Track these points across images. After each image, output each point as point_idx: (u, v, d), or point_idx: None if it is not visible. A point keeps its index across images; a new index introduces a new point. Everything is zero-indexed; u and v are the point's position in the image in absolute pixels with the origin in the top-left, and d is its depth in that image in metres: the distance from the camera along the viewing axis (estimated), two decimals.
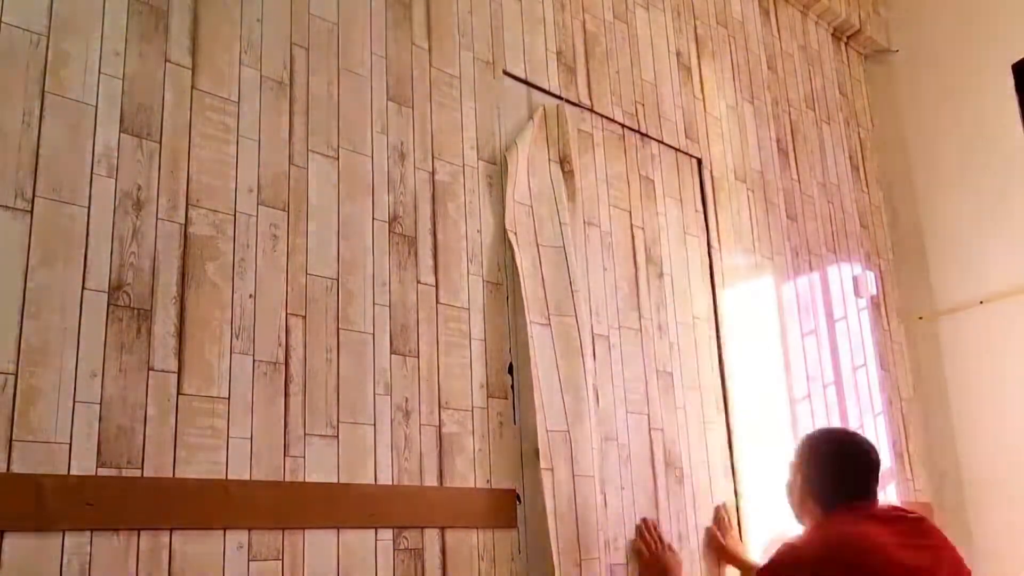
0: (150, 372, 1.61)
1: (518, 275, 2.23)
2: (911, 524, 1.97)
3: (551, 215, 2.37)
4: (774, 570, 1.93)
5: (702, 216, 2.90)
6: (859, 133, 3.83)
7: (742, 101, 3.23)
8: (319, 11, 2.07)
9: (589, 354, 2.29)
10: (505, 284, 2.25)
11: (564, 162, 2.46)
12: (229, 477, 1.66)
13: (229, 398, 1.70)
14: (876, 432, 3.34)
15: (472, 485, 2.03)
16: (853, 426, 3.22)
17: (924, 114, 3.81)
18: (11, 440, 1.44)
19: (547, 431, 2.13)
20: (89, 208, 1.61)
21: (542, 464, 2.10)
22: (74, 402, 1.52)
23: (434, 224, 2.15)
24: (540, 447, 2.11)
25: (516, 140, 2.36)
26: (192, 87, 1.80)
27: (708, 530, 2.55)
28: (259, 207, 1.84)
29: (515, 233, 2.27)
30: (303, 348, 1.83)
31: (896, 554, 1.84)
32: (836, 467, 2.06)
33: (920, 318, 3.68)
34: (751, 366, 2.87)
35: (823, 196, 3.47)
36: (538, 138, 2.42)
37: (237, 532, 1.65)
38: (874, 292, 3.53)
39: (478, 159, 2.29)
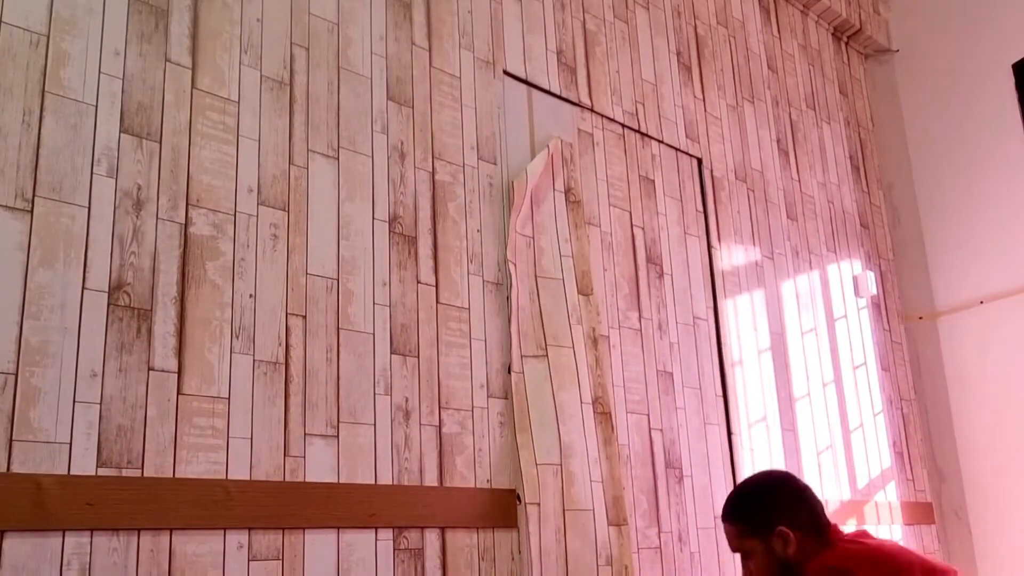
0: (150, 372, 1.61)
1: (511, 308, 2.22)
2: None
3: (551, 247, 2.35)
4: None
5: (702, 216, 2.90)
6: (859, 133, 3.83)
7: (742, 101, 3.23)
8: (319, 11, 2.07)
9: (586, 385, 2.28)
10: (505, 284, 2.25)
11: (569, 192, 2.45)
12: (229, 477, 1.66)
13: (229, 398, 1.70)
14: (876, 432, 3.34)
15: (472, 485, 2.03)
16: (853, 425, 3.23)
17: (924, 114, 3.81)
18: (11, 440, 1.44)
19: (536, 465, 2.11)
20: (89, 208, 1.61)
21: (528, 499, 2.07)
22: (74, 402, 1.52)
23: (434, 224, 2.15)
24: (526, 483, 2.08)
25: (527, 169, 2.34)
26: (192, 87, 1.80)
27: None
28: (259, 207, 1.84)
29: (514, 264, 2.26)
30: (303, 348, 1.83)
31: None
32: (806, 499, 1.89)
33: (920, 318, 3.68)
34: (751, 366, 2.87)
35: (823, 196, 3.47)
36: (546, 170, 2.40)
37: (237, 532, 1.65)
38: (874, 292, 3.53)
39: (478, 159, 2.29)
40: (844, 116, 3.77)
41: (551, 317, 2.27)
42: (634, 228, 2.65)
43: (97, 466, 1.52)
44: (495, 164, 2.33)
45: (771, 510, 1.84)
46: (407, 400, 1.97)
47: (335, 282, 1.93)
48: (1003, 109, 3.53)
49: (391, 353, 1.97)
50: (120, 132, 1.68)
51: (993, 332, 3.46)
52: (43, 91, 1.61)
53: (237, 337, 1.74)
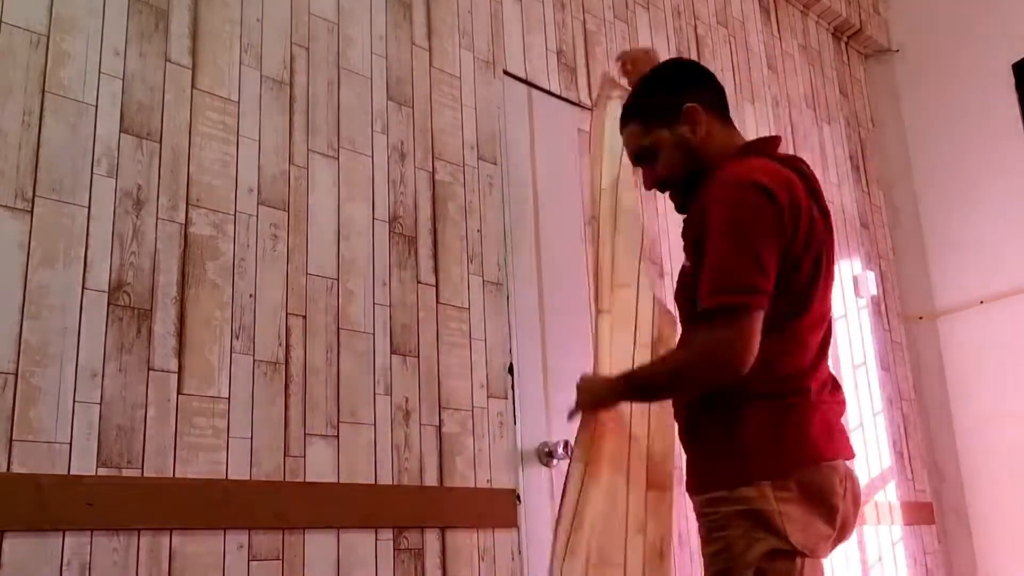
0: (150, 372, 1.61)
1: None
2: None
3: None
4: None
5: None
6: (859, 133, 3.83)
7: (742, 101, 3.23)
8: (319, 11, 2.07)
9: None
10: (505, 284, 2.25)
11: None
12: (229, 477, 1.66)
13: (229, 398, 1.70)
14: (876, 432, 3.34)
15: (472, 485, 2.03)
16: (853, 425, 3.22)
17: (924, 114, 3.81)
18: (11, 440, 1.44)
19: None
20: (89, 208, 1.61)
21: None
22: (74, 402, 1.52)
23: (434, 224, 2.15)
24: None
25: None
26: (192, 87, 1.80)
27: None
28: (259, 207, 1.84)
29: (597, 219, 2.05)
30: (303, 348, 1.83)
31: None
32: (711, 78, 1.72)
33: (920, 318, 3.68)
34: None
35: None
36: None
37: (237, 532, 1.65)
38: (874, 292, 3.53)
39: (478, 159, 2.29)
40: (844, 116, 3.77)
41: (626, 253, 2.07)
42: None
43: (97, 466, 1.52)
44: (495, 164, 2.33)
45: (677, 87, 1.70)
46: (407, 400, 1.97)
47: (335, 282, 1.93)
48: (1003, 109, 3.53)
49: (391, 353, 1.97)
50: (120, 132, 1.68)
51: (993, 332, 3.46)
52: (43, 91, 1.61)
53: (237, 337, 1.74)
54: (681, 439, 1.71)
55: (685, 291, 1.65)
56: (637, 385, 1.68)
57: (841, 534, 1.58)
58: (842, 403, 1.66)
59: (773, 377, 1.54)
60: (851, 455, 1.61)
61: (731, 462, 1.55)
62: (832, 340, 1.67)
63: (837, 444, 1.58)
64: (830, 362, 1.70)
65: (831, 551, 1.58)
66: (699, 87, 1.72)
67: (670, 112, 1.68)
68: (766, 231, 1.50)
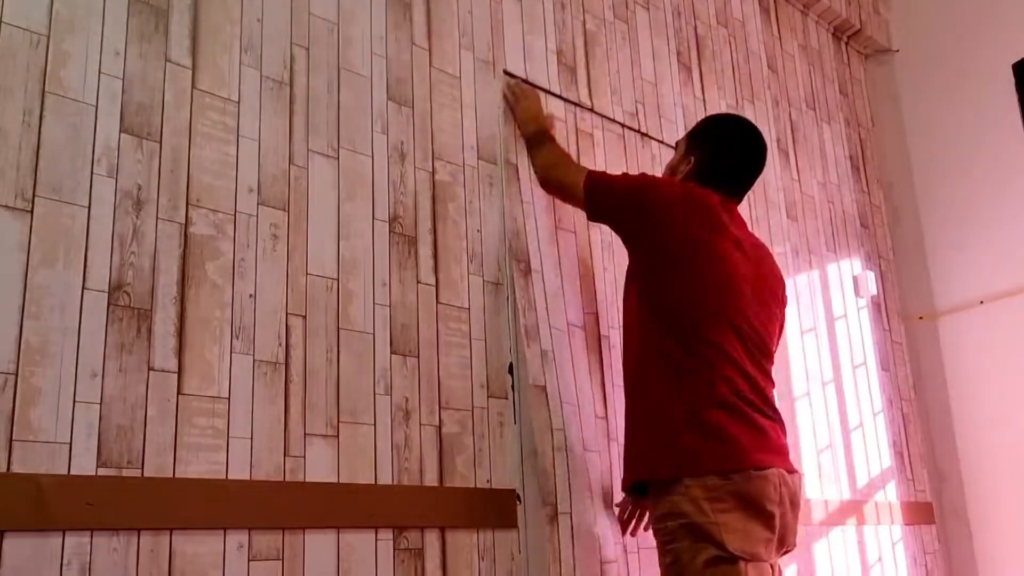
0: (150, 372, 1.61)
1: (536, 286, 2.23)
2: (757, 243, 2.07)
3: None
4: (643, 180, 2.06)
5: None
6: (859, 133, 3.83)
7: (742, 101, 3.23)
8: (319, 11, 2.07)
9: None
10: (505, 284, 2.25)
11: None
12: (229, 477, 1.66)
13: (229, 398, 1.70)
14: (876, 432, 3.34)
15: (472, 485, 2.03)
16: (853, 425, 3.23)
17: (924, 114, 3.81)
18: (11, 440, 1.44)
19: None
20: (89, 208, 1.61)
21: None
22: (74, 402, 1.52)
23: (434, 224, 2.15)
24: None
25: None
26: (192, 87, 1.80)
27: None
28: (259, 207, 1.84)
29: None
30: (303, 348, 1.83)
31: (735, 257, 1.93)
32: (735, 160, 2.08)
33: (920, 318, 3.68)
34: None
35: (823, 196, 3.47)
36: None
37: (237, 532, 1.65)
38: (874, 292, 3.53)
39: (478, 159, 2.29)
40: (844, 116, 3.77)
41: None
42: None
43: (97, 466, 1.52)
44: (495, 164, 2.33)
45: (709, 140, 2.10)
46: (407, 400, 1.97)
47: (335, 282, 1.93)
48: (1003, 109, 3.53)
49: (391, 353, 1.97)
50: (120, 132, 1.68)
51: (993, 332, 3.46)
52: (43, 91, 1.61)
53: (237, 337, 1.74)
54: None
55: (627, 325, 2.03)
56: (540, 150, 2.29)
57: (783, 538, 1.78)
58: (781, 426, 1.90)
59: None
60: (789, 467, 1.83)
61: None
62: (770, 363, 1.95)
63: (769, 455, 1.80)
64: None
65: (778, 557, 1.80)
66: (717, 154, 2.07)
67: (691, 143, 2.14)
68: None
